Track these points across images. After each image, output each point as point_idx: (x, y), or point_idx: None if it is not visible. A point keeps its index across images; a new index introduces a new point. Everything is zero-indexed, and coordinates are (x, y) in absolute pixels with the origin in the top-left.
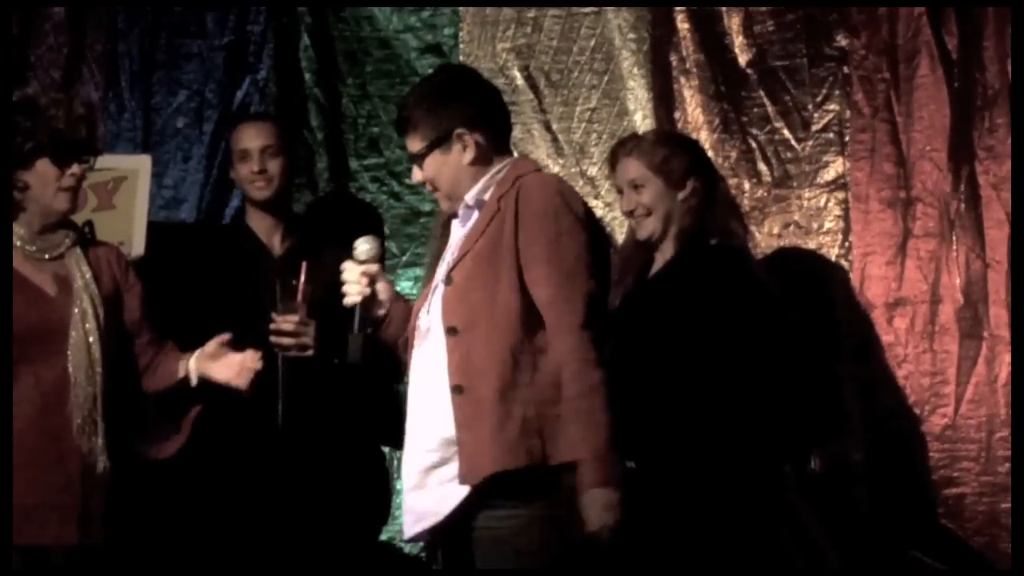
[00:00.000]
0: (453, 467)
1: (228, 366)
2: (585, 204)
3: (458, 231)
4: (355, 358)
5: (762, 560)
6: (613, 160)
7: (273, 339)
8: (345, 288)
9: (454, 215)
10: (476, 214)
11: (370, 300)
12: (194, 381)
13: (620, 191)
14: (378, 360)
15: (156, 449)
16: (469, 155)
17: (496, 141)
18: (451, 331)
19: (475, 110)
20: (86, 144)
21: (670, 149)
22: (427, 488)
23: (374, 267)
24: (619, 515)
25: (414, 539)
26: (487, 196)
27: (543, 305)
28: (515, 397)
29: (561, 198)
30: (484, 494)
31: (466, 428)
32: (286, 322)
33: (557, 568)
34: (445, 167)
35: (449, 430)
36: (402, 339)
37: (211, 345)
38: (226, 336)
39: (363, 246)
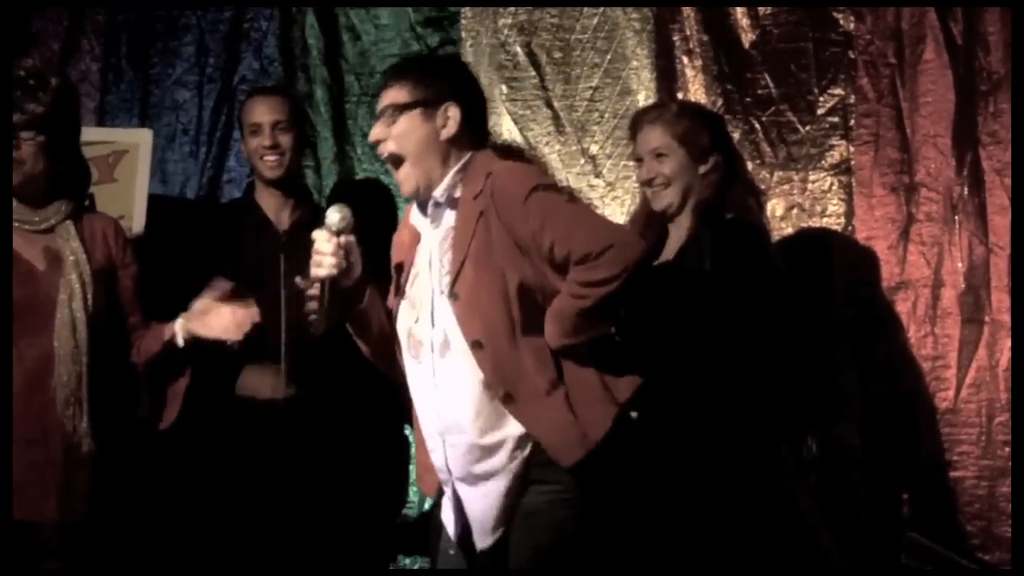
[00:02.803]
0: (513, 469)
1: (218, 317)
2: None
3: (429, 231)
4: (319, 330)
5: (758, 539)
6: (635, 128)
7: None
8: (317, 259)
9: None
10: (447, 213)
11: (341, 273)
12: (180, 342)
13: (639, 160)
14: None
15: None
16: (448, 131)
17: (472, 135)
18: (476, 345)
19: (468, 95)
20: (45, 117)
21: (695, 121)
22: (494, 497)
23: (351, 237)
24: None
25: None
26: (457, 193)
27: (571, 255)
28: (561, 390)
29: (531, 175)
30: (526, 478)
31: (534, 426)
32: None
33: (580, 546)
34: (420, 131)
35: (499, 436)
36: (379, 326)
37: (196, 304)
38: (222, 287)
39: (335, 215)
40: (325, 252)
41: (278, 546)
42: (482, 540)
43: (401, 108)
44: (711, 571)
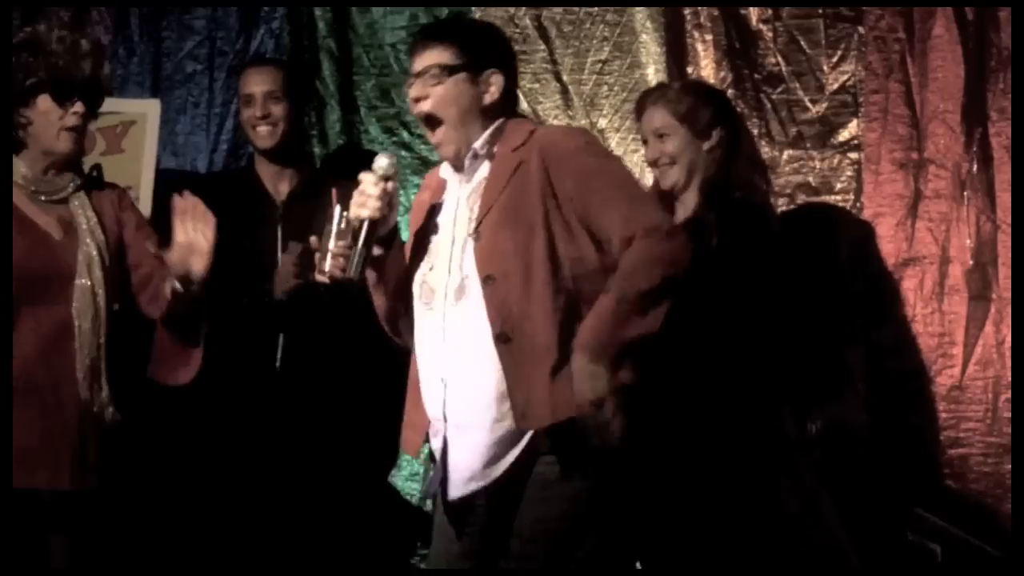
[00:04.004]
0: (505, 425)
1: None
2: None
3: (458, 185)
4: (354, 274)
5: (763, 515)
6: (639, 109)
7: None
8: (361, 200)
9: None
10: (484, 166)
11: (381, 218)
12: (178, 287)
13: (645, 141)
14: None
15: (171, 375)
16: (489, 98)
17: (510, 103)
18: (488, 279)
19: (509, 63)
20: (89, 81)
21: (697, 99)
22: (477, 447)
23: (395, 184)
24: (607, 390)
25: (457, 499)
26: (496, 148)
27: (615, 227)
28: (563, 345)
29: (585, 134)
30: (535, 448)
31: (516, 378)
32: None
33: (593, 517)
34: (463, 97)
35: (498, 386)
36: (396, 279)
37: (173, 251)
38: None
39: (384, 160)
40: (371, 195)
41: (279, 523)
42: (456, 489)
43: (447, 70)
44: (716, 548)
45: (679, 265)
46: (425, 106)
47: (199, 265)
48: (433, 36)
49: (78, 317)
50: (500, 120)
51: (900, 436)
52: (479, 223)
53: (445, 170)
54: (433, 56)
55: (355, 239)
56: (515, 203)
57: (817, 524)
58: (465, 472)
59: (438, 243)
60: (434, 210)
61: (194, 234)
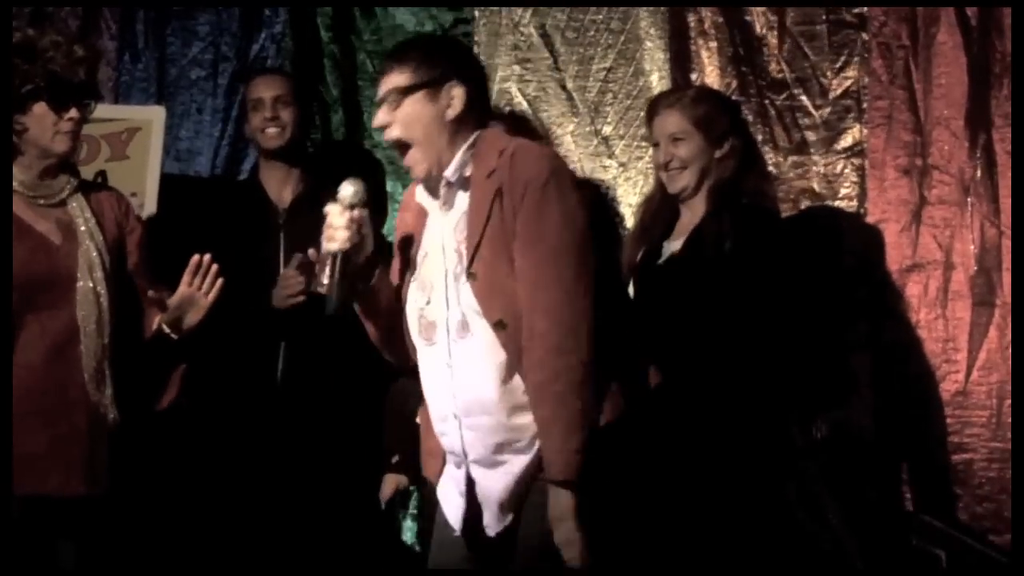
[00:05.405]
0: (523, 459)
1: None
2: (574, 178)
3: (439, 214)
4: (332, 310)
5: (767, 514)
6: (651, 113)
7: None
8: (330, 233)
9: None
10: (460, 195)
11: (353, 248)
12: (164, 329)
13: (656, 144)
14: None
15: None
16: (453, 111)
17: (477, 113)
18: (499, 325)
19: (470, 73)
20: (85, 87)
21: (712, 106)
22: (507, 480)
23: (364, 212)
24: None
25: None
26: (468, 172)
27: (522, 280)
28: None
29: (552, 169)
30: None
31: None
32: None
33: (592, 531)
34: (425, 113)
35: (511, 420)
36: (387, 305)
37: (174, 298)
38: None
39: (349, 188)
40: (338, 226)
41: (280, 532)
42: (496, 524)
43: (404, 91)
44: (722, 552)
45: (560, 364)
46: (392, 132)
47: (193, 319)
48: (390, 60)
49: (84, 322)
50: (472, 135)
51: (905, 441)
52: (471, 262)
53: (421, 195)
54: (391, 81)
55: (331, 274)
56: (501, 237)
57: (822, 529)
58: (505, 504)
59: (430, 276)
60: (419, 239)
61: (198, 291)
